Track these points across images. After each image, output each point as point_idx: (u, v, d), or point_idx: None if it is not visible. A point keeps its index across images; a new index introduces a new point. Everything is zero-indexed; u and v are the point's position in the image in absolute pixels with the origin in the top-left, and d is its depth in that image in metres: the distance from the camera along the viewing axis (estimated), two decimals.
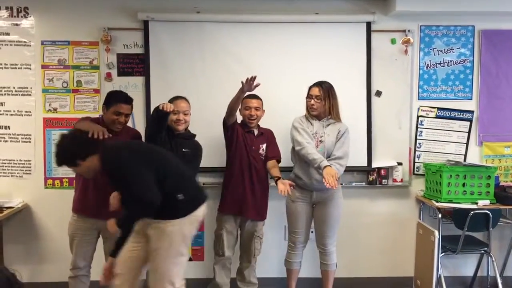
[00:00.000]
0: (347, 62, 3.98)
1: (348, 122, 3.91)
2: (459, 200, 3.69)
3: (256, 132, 3.58)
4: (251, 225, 3.56)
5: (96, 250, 3.26)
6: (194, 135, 3.46)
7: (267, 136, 3.62)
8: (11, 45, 3.90)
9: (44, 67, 3.92)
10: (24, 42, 3.90)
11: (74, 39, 3.92)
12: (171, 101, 3.33)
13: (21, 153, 3.92)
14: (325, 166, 3.19)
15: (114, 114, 3.16)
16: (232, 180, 3.52)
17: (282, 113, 3.84)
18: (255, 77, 3.18)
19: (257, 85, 3.23)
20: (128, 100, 3.23)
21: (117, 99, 3.19)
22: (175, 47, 3.92)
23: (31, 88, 3.91)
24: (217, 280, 3.58)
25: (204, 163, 3.51)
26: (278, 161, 3.59)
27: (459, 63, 4.07)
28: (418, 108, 4.07)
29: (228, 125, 3.49)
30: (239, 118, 3.57)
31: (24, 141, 3.92)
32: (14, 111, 3.90)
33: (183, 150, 3.31)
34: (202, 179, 3.87)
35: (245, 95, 3.37)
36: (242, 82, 3.22)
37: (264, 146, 3.57)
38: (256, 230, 3.57)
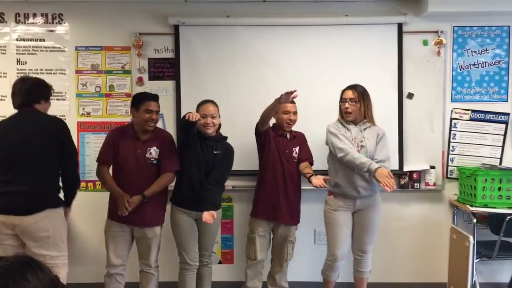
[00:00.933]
0: (378, 64, 3.94)
1: (380, 125, 3.89)
2: (494, 204, 3.60)
3: (288, 135, 3.57)
4: (284, 230, 3.54)
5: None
6: (226, 137, 3.48)
7: (299, 139, 3.61)
8: (46, 51, 4.00)
9: (78, 72, 4.01)
10: (59, 47, 4.01)
11: (106, 45, 4.00)
12: (200, 104, 3.38)
13: None
14: (376, 169, 3.09)
15: (145, 113, 3.23)
16: (265, 185, 3.51)
17: (314, 116, 3.83)
18: (295, 91, 3.16)
19: (295, 97, 3.22)
20: (155, 97, 3.33)
21: (144, 97, 3.29)
22: (206, 51, 3.96)
23: (65, 92, 4.00)
24: (248, 284, 3.58)
25: (235, 166, 3.51)
26: (311, 163, 3.57)
27: (494, 64, 3.97)
28: (452, 111, 3.99)
29: (261, 132, 3.49)
30: (270, 122, 3.56)
31: None
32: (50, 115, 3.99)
33: (214, 152, 3.33)
34: (232, 182, 3.90)
35: None
36: (281, 94, 3.18)
37: (297, 149, 3.55)
38: (289, 234, 3.55)
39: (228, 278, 4.04)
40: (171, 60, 3.98)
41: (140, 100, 3.28)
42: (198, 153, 3.29)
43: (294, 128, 3.64)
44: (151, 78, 4.00)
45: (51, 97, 3.20)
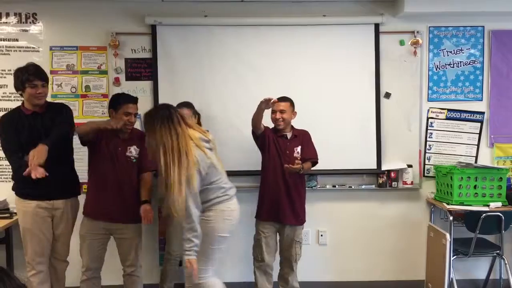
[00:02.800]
0: (356, 63, 3.96)
1: (358, 124, 3.95)
2: (470, 202, 3.65)
3: (289, 135, 3.54)
4: (290, 230, 3.51)
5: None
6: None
7: (302, 138, 3.56)
8: (20, 51, 3.92)
9: (53, 72, 3.93)
10: (33, 48, 3.92)
11: (82, 44, 3.94)
12: (179, 105, 3.39)
13: None
14: None
15: (124, 115, 3.19)
16: (267, 187, 3.51)
17: None
18: (273, 99, 3.26)
19: (274, 103, 3.29)
20: (135, 99, 3.29)
21: (124, 100, 3.23)
22: (183, 51, 3.92)
23: None
24: (258, 286, 3.56)
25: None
26: (314, 162, 3.55)
27: (469, 64, 4.03)
28: (428, 110, 4.04)
29: (258, 135, 3.50)
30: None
31: None
32: None
33: None
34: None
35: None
36: (261, 101, 3.28)
37: (299, 148, 3.52)
38: (295, 235, 3.53)
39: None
40: (148, 60, 3.93)
41: (119, 102, 3.22)
42: None
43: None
44: (128, 78, 3.95)
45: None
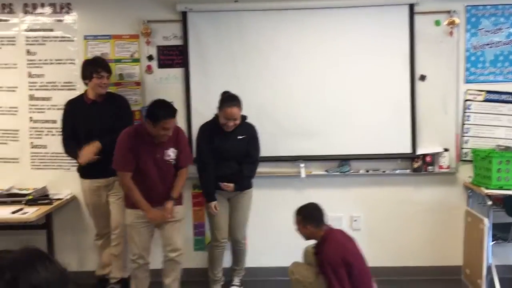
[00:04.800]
0: (390, 46, 3.86)
1: (392, 108, 3.89)
2: (510, 186, 3.54)
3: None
4: None
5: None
6: (245, 117, 3.56)
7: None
8: (55, 41, 4.00)
9: None
10: (68, 37, 3.99)
11: (115, 33, 3.98)
12: (224, 105, 3.40)
13: None
14: None
15: (162, 130, 3.16)
16: None
17: (328, 102, 3.87)
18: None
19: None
20: (174, 113, 3.21)
21: (163, 116, 3.13)
22: (214, 37, 3.92)
23: (76, 82, 4.00)
24: None
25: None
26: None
27: (508, 43, 3.88)
28: (465, 92, 3.92)
29: None
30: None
31: None
32: (61, 105, 4.00)
33: (238, 137, 3.49)
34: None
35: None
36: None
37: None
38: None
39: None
40: (180, 47, 3.95)
41: (158, 116, 3.12)
42: (222, 147, 3.46)
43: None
44: (160, 66, 3.98)
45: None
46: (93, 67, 3.53)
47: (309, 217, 3.00)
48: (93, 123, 3.56)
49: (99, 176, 3.59)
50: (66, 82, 4.00)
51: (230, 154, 3.51)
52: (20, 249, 1.10)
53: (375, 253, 3.99)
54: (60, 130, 3.73)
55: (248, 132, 3.57)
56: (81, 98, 3.66)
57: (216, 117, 3.52)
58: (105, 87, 3.58)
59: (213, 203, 3.49)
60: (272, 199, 3.98)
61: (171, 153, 3.30)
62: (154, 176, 3.27)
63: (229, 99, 3.43)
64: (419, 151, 3.91)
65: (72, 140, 3.59)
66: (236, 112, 3.40)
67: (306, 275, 3.03)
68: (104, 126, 3.54)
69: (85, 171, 3.64)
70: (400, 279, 3.94)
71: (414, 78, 3.89)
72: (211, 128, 3.52)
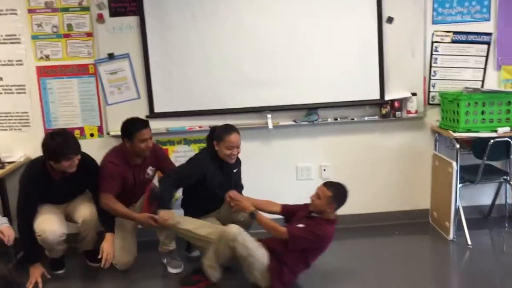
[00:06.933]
0: None
1: (358, 53, 3.76)
2: (478, 128, 3.52)
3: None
4: None
5: None
6: None
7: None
8: None
9: (31, 11, 3.65)
10: None
11: None
12: (224, 132, 3.19)
13: (17, 105, 3.74)
14: None
15: (140, 143, 3.16)
16: None
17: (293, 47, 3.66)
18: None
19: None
20: (146, 123, 3.25)
21: (135, 127, 3.16)
22: None
23: (19, 35, 3.66)
24: None
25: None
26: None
27: None
28: (433, 34, 3.81)
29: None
30: None
31: (19, 92, 3.73)
32: (5, 61, 3.69)
33: (234, 171, 3.40)
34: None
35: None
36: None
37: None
38: None
39: None
40: None
41: (131, 132, 3.16)
42: (220, 180, 3.29)
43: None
44: (112, 14, 3.66)
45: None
46: (62, 156, 2.98)
47: (339, 200, 2.95)
48: (66, 196, 3.33)
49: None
50: (8, 35, 3.66)
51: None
52: None
53: None
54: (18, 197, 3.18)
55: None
56: (45, 174, 3.11)
57: None
58: (75, 166, 3.05)
59: None
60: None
61: (150, 172, 3.42)
62: (135, 191, 3.37)
63: (227, 128, 3.24)
64: (387, 97, 3.82)
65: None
66: (239, 139, 3.22)
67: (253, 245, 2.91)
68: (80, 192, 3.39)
69: None
70: (369, 225, 3.96)
71: (381, 21, 3.74)
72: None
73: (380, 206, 4.04)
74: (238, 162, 3.41)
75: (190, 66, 3.72)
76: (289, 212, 3.14)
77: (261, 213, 3.05)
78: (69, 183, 3.16)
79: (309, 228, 2.87)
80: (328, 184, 2.98)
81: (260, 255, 2.88)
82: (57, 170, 3.06)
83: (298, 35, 3.72)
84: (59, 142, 2.95)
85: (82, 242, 3.37)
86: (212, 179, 3.23)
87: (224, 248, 2.87)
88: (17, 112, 3.75)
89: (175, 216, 3.14)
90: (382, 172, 3.99)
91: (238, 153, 3.26)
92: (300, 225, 2.90)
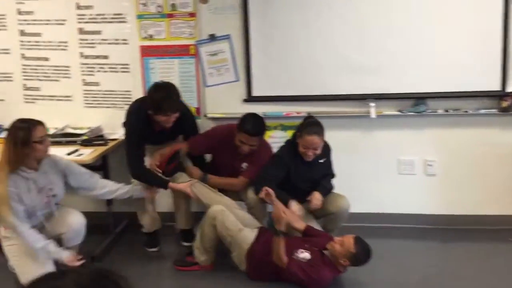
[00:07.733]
0: None
1: (478, 39, 3.41)
2: None
3: None
4: None
5: None
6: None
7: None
8: None
9: None
10: None
11: None
12: (304, 131, 3.10)
13: (121, 84, 3.82)
14: None
15: (241, 143, 3.20)
16: None
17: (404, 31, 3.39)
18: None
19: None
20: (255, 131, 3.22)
21: (245, 131, 3.20)
22: None
23: (126, 14, 3.72)
24: None
25: None
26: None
27: None
28: None
29: None
30: None
31: (124, 71, 3.81)
32: (111, 39, 3.77)
33: (319, 161, 3.24)
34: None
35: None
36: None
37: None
38: None
39: None
40: None
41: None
42: (302, 176, 3.21)
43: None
44: None
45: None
46: (160, 111, 3.04)
47: (356, 261, 2.79)
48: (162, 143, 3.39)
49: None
50: (116, 14, 3.73)
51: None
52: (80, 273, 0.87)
53: (451, 200, 3.70)
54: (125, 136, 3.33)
55: None
56: (146, 121, 3.18)
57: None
58: (171, 122, 3.11)
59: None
60: (337, 142, 3.60)
61: (243, 166, 3.36)
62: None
63: (311, 126, 3.11)
64: (510, 89, 3.42)
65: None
66: (317, 141, 3.07)
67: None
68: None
69: None
70: (480, 227, 3.61)
71: (508, 5, 3.32)
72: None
73: (491, 208, 3.66)
74: (326, 151, 3.26)
75: (292, 49, 3.57)
76: (309, 235, 3.01)
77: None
78: (166, 133, 3.26)
79: (310, 263, 2.75)
80: (358, 240, 2.78)
81: (240, 238, 2.87)
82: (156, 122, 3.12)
83: (410, 15, 3.42)
84: (161, 96, 3.00)
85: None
86: (295, 173, 3.17)
87: (207, 228, 2.94)
88: (120, 91, 3.84)
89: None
90: (498, 172, 3.61)
91: (315, 154, 3.11)
92: (306, 255, 2.80)
